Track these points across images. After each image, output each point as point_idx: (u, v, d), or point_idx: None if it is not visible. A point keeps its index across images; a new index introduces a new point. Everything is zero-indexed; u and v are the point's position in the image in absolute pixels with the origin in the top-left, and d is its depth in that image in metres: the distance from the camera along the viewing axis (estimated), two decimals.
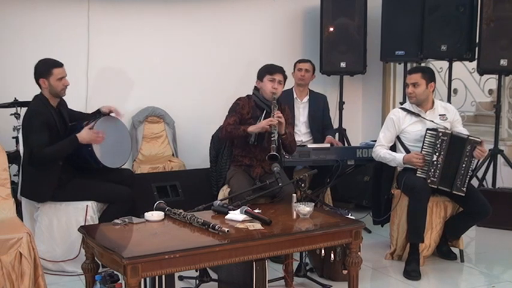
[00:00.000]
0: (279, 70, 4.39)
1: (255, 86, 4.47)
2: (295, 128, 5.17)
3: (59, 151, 4.02)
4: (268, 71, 4.39)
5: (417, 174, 4.23)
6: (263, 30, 6.29)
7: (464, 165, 4.17)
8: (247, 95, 4.48)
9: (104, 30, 5.64)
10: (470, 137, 4.19)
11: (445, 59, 5.86)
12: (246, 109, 4.38)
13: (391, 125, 4.45)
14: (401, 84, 6.24)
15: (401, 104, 5.65)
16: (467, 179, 4.19)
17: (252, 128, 4.24)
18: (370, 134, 5.87)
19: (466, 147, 4.18)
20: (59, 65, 4.10)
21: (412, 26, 5.80)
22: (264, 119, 4.28)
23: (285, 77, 4.44)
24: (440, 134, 4.20)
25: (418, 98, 4.36)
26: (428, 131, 4.24)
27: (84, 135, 4.03)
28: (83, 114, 4.43)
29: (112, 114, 4.34)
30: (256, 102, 4.40)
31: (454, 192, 4.19)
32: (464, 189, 4.17)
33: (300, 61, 5.46)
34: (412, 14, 5.81)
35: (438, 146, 4.20)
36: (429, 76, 4.37)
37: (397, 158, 4.35)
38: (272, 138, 4.12)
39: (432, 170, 4.20)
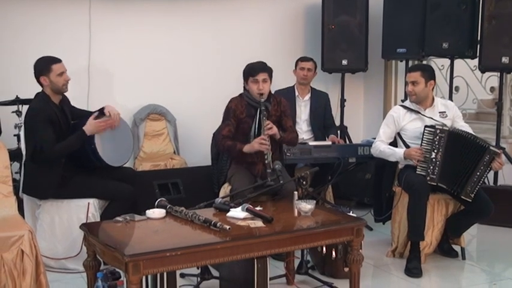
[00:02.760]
0: (261, 69, 4.29)
1: (244, 87, 4.43)
2: (296, 126, 5.17)
3: (68, 147, 4.05)
4: (249, 72, 4.31)
5: (417, 172, 4.22)
6: (264, 28, 6.28)
7: (478, 173, 4.12)
8: (240, 94, 4.46)
9: (105, 27, 5.63)
10: (491, 148, 4.13)
11: (447, 57, 5.84)
12: (239, 109, 4.36)
13: (391, 122, 4.45)
14: (402, 82, 6.21)
15: (403, 101, 5.64)
16: (478, 186, 4.15)
17: (246, 149, 4.23)
18: (372, 131, 5.85)
19: (484, 156, 4.11)
20: (57, 60, 4.11)
21: (414, 24, 5.78)
22: (259, 117, 4.26)
23: (270, 71, 4.34)
24: (438, 131, 4.19)
25: (417, 96, 4.36)
26: (426, 128, 4.23)
27: (90, 127, 4.06)
28: (86, 112, 4.43)
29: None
30: (249, 102, 4.38)
31: (463, 197, 4.16)
32: (473, 195, 4.14)
33: (302, 60, 5.44)
34: (413, 11, 5.80)
35: (436, 143, 4.19)
36: (428, 74, 4.37)
37: (397, 152, 4.34)
38: (266, 161, 4.11)
39: (431, 167, 4.20)
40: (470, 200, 4.15)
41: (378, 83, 6.73)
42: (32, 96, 4.21)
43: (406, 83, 4.43)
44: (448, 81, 5.94)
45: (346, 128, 6.22)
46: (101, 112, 4.25)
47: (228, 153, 4.42)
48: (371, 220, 4.70)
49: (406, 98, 5.75)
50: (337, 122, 6.02)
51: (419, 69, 4.42)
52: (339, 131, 6.01)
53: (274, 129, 4.23)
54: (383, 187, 4.59)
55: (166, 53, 5.88)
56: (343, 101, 6.31)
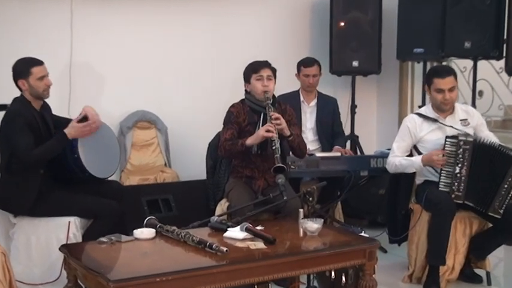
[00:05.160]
0: (264, 64, 4.41)
1: (245, 90, 4.47)
2: (301, 135, 5.16)
3: (48, 151, 4.06)
4: (253, 69, 4.41)
5: (440, 188, 4.22)
6: (266, 26, 6.29)
7: (506, 186, 4.11)
8: (241, 100, 4.49)
9: (89, 25, 5.62)
10: None
11: (469, 57, 5.84)
12: (241, 116, 4.39)
13: (406, 134, 4.43)
14: (420, 86, 6.22)
15: (421, 107, 5.63)
16: (507, 200, 4.13)
17: (250, 141, 4.25)
18: (386, 141, 5.86)
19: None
20: (39, 63, 4.13)
21: (432, 21, 5.78)
22: (263, 123, 4.29)
23: (274, 70, 4.44)
24: (462, 142, 4.18)
25: (453, 104, 4.36)
26: (447, 139, 4.22)
27: (72, 131, 4.08)
28: (68, 120, 4.43)
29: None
30: (251, 107, 4.41)
31: (490, 213, 4.15)
32: (502, 211, 4.12)
33: (305, 65, 5.42)
34: (432, 6, 5.80)
35: (460, 156, 4.18)
36: (456, 77, 4.39)
37: (415, 161, 4.32)
38: (273, 147, 4.11)
39: (456, 184, 4.18)
40: (499, 217, 4.14)
41: (392, 86, 6.74)
42: (7, 101, 4.23)
43: (438, 91, 4.29)
44: (471, 85, 5.94)
45: (357, 137, 6.22)
46: (84, 118, 4.27)
47: (230, 155, 4.40)
48: (385, 241, 4.70)
49: (423, 104, 5.77)
50: (347, 131, 6.03)
51: (452, 72, 4.40)
52: (349, 141, 6.02)
53: (283, 122, 4.23)
54: (398, 204, 4.59)
55: (156, 54, 5.87)
56: (353, 107, 6.32)
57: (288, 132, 4.28)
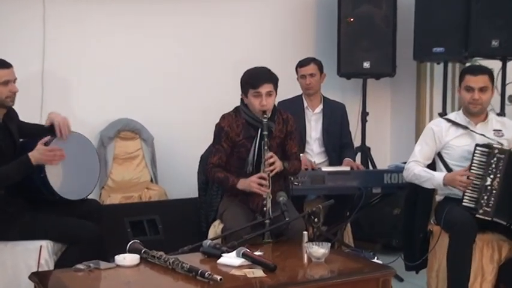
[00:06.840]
0: (265, 79, 4.31)
1: (242, 99, 4.45)
2: (306, 146, 5.19)
3: (7, 176, 3.99)
4: (251, 83, 4.32)
5: (463, 203, 4.21)
6: (266, 24, 6.32)
7: None
8: (235, 109, 4.48)
9: (64, 22, 5.64)
10: None
11: (497, 58, 5.87)
12: (234, 130, 4.39)
13: (430, 138, 4.44)
14: (440, 90, 6.24)
15: (441, 115, 5.63)
16: None
17: (241, 186, 4.29)
18: (401, 153, 5.87)
19: None
20: (5, 65, 4.09)
21: (455, 16, 5.81)
22: (260, 140, 4.30)
23: (275, 82, 4.36)
24: (496, 151, 4.18)
25: (483, 108, 4.37)
26: (478, 148, 4.22)
27: (37, 154, 4.01)
28: (39, 127, 4.40)
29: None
30: (248, 120, 4.40)
31: None
32: None
33: (300, 65, 5.45)
34: (454, 0, 5.83)
35: (493, 166, 4.17)
36: (493, 80, 4.40)
37: (436, 177, 4.32)
38: (264, 208, 4.15)
39: (485, 198, 4.18)
40: None
41: (408, 91, 6.77)
42: None
43: (468, 88, 4.32)
44: (500, 89, 5.95)
45: (369, 149, 6.23)
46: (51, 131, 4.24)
47: (219, 184, 4.48)
48: (401, 268, 4.69)
49: (444, 111, 5.78)
50: (358, 142, 6.04)
51: (487, 72, 4.41)
52: (359, 153, 6.02)
53: (277, 164, 4.29)
54: (416, 225, 4.58)
55: (141, 55, 5.89)
56: (364, 114, 6.33)
57: (281, 169, 4.34)
